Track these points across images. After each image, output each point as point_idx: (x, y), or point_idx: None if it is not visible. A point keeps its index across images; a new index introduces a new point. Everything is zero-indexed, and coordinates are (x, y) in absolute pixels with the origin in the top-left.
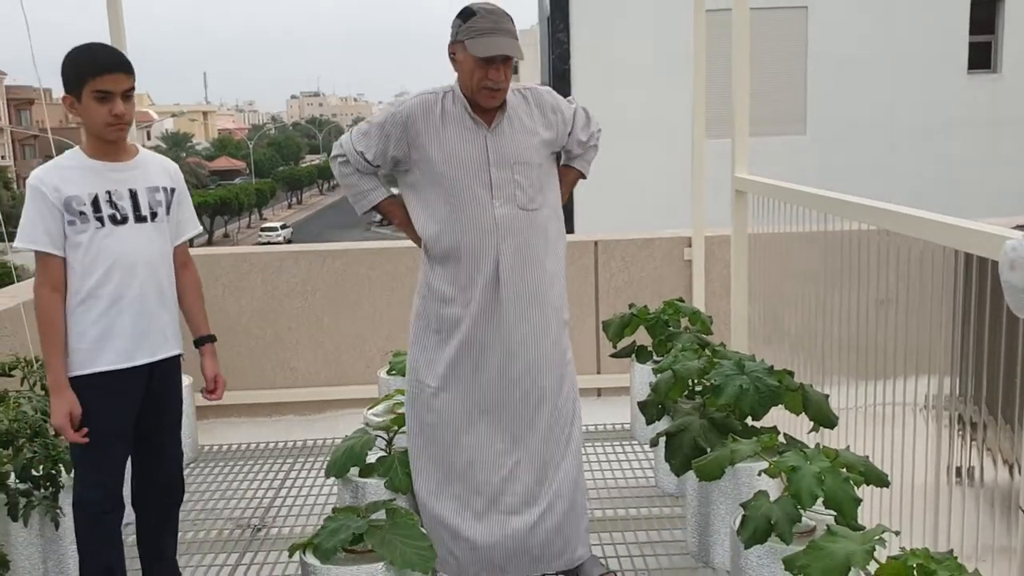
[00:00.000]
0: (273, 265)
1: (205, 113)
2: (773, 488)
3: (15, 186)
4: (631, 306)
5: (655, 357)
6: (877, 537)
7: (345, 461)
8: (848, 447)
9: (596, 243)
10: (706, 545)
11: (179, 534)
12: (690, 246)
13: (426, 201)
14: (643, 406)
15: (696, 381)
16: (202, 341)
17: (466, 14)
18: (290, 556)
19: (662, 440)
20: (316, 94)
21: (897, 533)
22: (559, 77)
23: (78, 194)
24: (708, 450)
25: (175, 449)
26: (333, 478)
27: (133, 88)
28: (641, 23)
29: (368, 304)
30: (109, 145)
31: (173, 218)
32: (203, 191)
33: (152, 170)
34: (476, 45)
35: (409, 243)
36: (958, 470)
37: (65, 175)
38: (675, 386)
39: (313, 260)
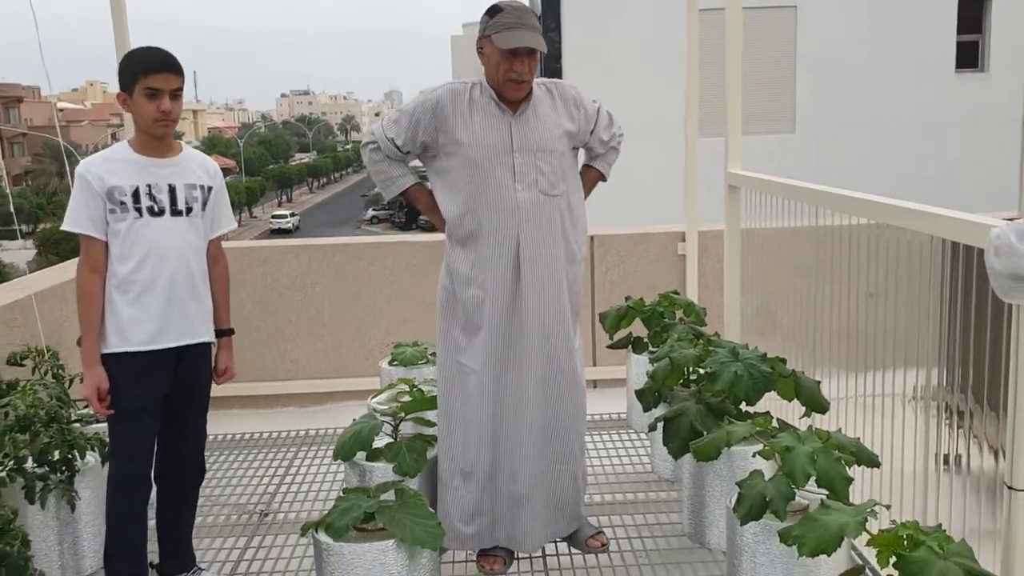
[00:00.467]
0: (274, 259)
1: (195, 112)
2: (767, 470)
3: (3, 184)
4: (627, 299)
5: (651, 348)
6: (869, 510)
7: (353, 445)
8: (840, 430)
9: (593, 238)
10: (701, 526)
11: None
12: (684, 241)
13: (452, 184)
14: (640, 394)
15: (692, 369)
16: (221, 334)
17: (493, 11)
18: (302, 535)
19: (660, 425)
20: (306, 92)
21: (888, 507)
22: (550, 76)
23: (120, 185)
24: (704, 433)
25: (199, 431)
26: (336, 466)
27: (181, 88)
28: (632, 22)
29: (368, 297)
30: (155, 141)
31: (208, 214)
32: None
33: (192, 168)
34: (502, 39)
35: (408, 238)
36: (946, 457)
37: (110, 166)
38: (672, 373)
39: (313, 254)
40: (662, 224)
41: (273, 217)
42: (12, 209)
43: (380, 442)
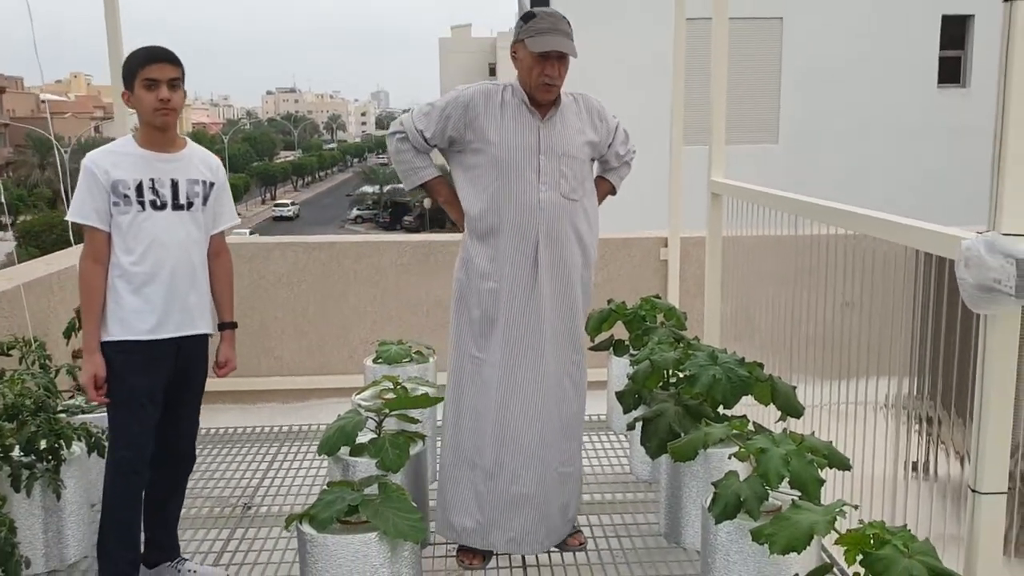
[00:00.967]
0: (261, 255)
1: None
2: (742, 472)
3: None
4: (610, 302)
5: (632, 351)
6: (838, 509)
7: (337, 439)
8: (813, 434)
9: None
10: (677, 526)
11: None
12: (667, 246)
13: (476, 180)
14: (621, 395)
15: (672, 372)
16: (224, 326)
17: (527, 16)
18: (287, 527)
19: (638, 427)
20: (292, 90)
21: (856, 507)
22: None
23: (124, 178)
24: (682, 435)
25: (192, 422)
26: (319, 461)
27: (178, 79)
28: (620, 31)
29: (353, 296)
30: (159, 135)
31: (210, 209)
32: None
33: (195, 163)
34: (534, 43)
35: (394, 238)
36: (915, 464)
37: (116, 160)
38: (652, 375)
39: (300, 251)
40: (646, 230)
41: (275, 206)
42: (2, 200)
43: (364, 438)
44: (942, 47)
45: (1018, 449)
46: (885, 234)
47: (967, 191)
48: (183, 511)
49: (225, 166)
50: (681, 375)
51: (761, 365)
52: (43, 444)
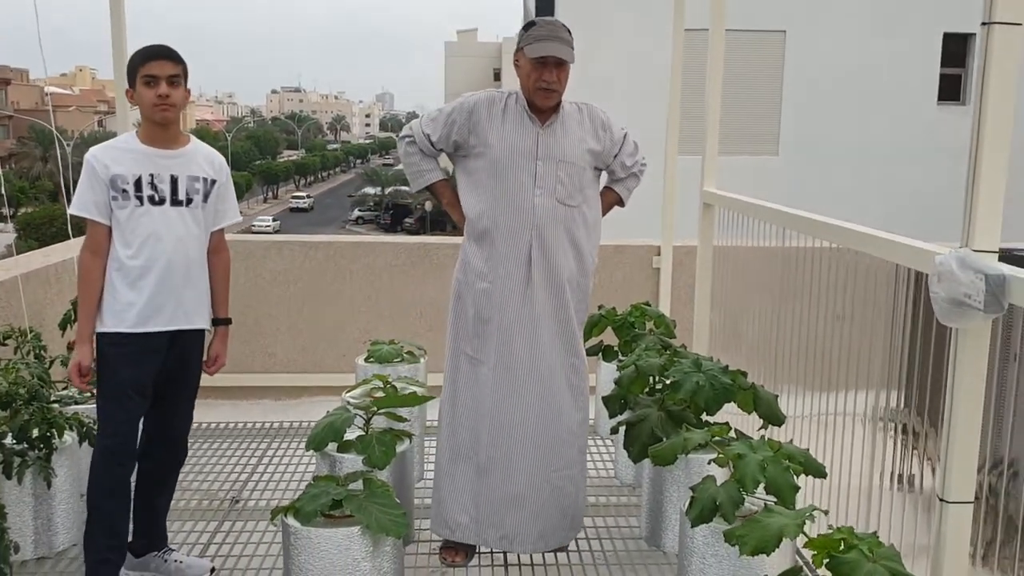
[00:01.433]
0: (258, 254)
1: None
2: (721, 478)
3: None
4: (600, 307)
5: (620, 357)
6: (808, 514)
7: (325, 435)
8: (791, 442)
9: None
10: (658, 530)
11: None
12: (659, 255)
13: (476, 183)
14: (607, 400)
15: (657, 378)
16: (218, 322)
17: (528, 25)
18: (272, 519)
19: (622, 431)
20: (297, 90)
21: (826, 512)
22: None
23: (123, 173)
24: (664, 439)
25: (185, 415)
26: (308, 458)
27: (178, 75)
28: (622, 41)
29: (348, 295)
30: (160, 131)
31: (211, 206)
32: None
33: (197, 160)
34: (532, 49)
35: (390, 239)
36: (900, 477)
37: (116, 155)
38: (637, 381)
39: (296, 251)
40: (640, 238)
41: (293, 197)
42: (3, 191)
43: (352, 434)
44: (943, 64)
45: (1001, 462)
46: (865, 247)
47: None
48: (172, 503)
49: (228, 164)
50: (668, 381)
51: (745, 374)
52: (35, 432)
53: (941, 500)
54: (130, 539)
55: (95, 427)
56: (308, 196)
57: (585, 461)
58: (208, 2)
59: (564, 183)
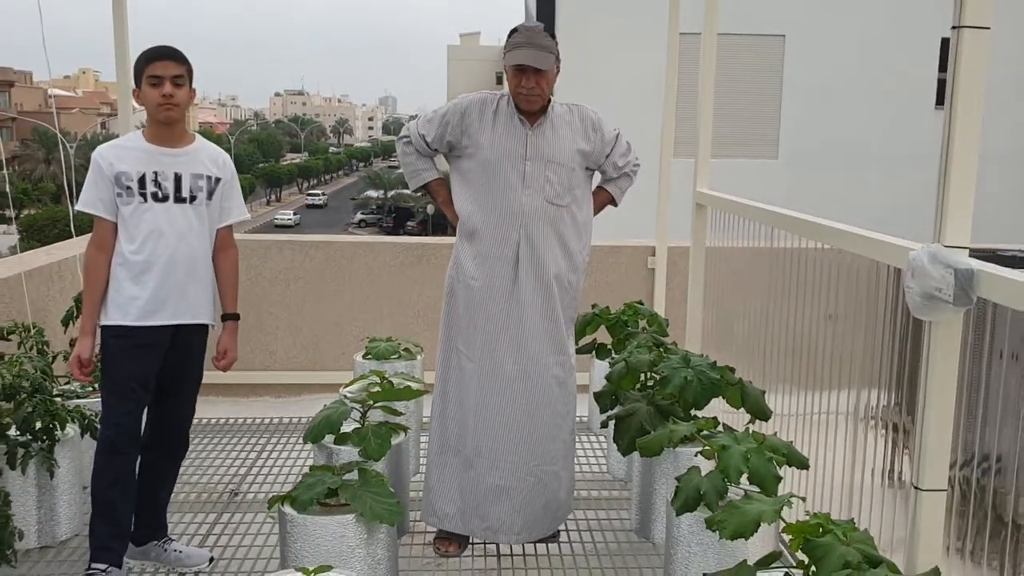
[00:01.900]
0: (259, 253)
1: None
2: (707, 470)
3: None
4: (594, 306)
5: (614, 355)
6: (786, 501)
7: (322, 428)
8: (776, 435)
9: None
10: (647, 523)
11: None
12: (654, 255)
13: (468, 182)
14: (598, 396)
15: (648, 375)
16: (225, 318)
17: (511, 32)
18: (269, 509)
19: (612, 425)
20: (300, 93)
21: (803, 499)
22: None
23: (128, 171)
24: (652, 432)
25: (187, 408)
26: (306, 453)
27: (182, 76)
28: (622, 44)
29: (347, 294)
30: (165, 130)
31: (216, 204)
32: None
33: (201, 159)
34: (510, 56)
35: (388, 239)
36: (889, 473)
37: (121, 153)
38: (627, 376)
39: (297, 250)
40: (635, 238)
41: (308, 194)
42: (8, 190)
43: (348, 427)
44: (941, 69)
45: (987, 457)
46: (844, 244)
47: None
48: (172, 495)
49: None
50: (657, 378)
51: (733, 369)
52: (38, 424)
53: (916, 488)
54: (132, 528)
55: (97, 420)
56: (323, 193)
57: (571, 455)
58: (211, 5)
59: (552, 183)
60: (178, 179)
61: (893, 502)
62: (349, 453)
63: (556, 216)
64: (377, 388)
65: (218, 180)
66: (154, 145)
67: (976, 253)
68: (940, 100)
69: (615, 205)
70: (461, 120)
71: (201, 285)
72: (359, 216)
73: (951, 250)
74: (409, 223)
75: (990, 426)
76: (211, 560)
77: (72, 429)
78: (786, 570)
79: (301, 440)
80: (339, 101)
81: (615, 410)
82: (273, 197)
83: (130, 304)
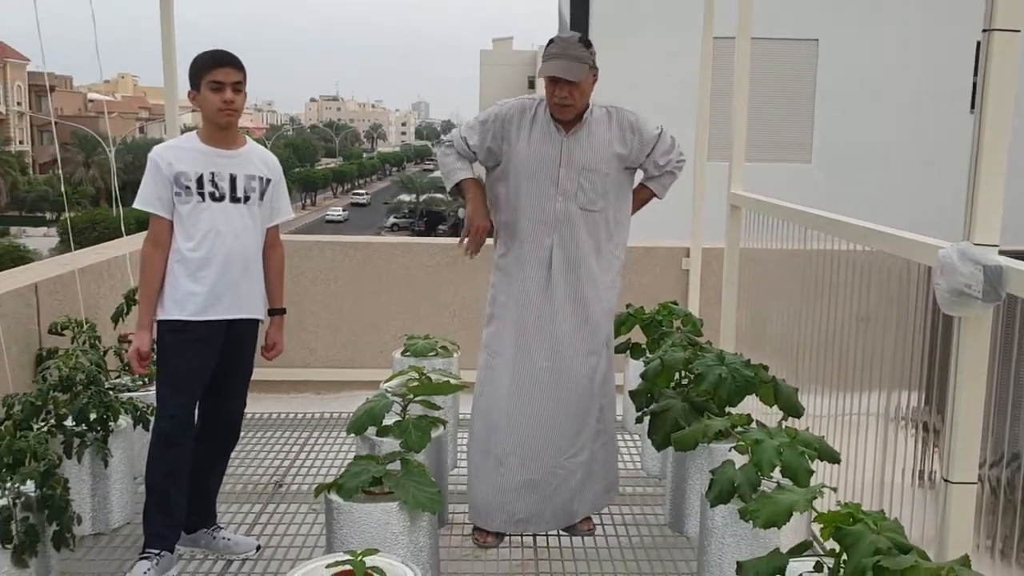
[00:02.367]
0: (300, 253)
1: None
2: (741, 464)
3: (31, 171)
4: (628, 306)
5: (648, 354)
6: (818, 490)
7: (365, 420)
8: (808, 430)
9: None
10: (681, 517)
11: None
12: (688, 256)
13: (505, 187)
14: (633, 394)
15: (682, 374)
16: (273, 312)
17: (549, 42)
18: (315, 496)
19: (647, 421)
20: (335, 98)
21: (835, 489)
22: None
23: (187, 171)
24: (687, 428)
25: (239, 400)
26: (348, 446)
27: (241, 82)
28: (657, 48)
29: (385, 294)
30: (220, 133)
31: (267, 204)
32: None
33: (253, 160)
34: (543, 68)
35: (424, 240)
36: (920, 473)
37: (179, 154)
38: (662, 374)
39: (337, 251)
40: (670, 240)
41: (354, 193)
42: (62, 191)
43: (389, 420)
44: (975, 73)
45: (1017, 457)
46: (873, 243)
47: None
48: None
49: None
50: (691, 374)
51: (766, 367)
52: (93, 415)
53: (946, 481)
54: (184, 517)
55: (150, 412)
56: (367, 193)
57: (604, 447)
58: (247, 12)
59: (585, 190)
60: (233, 180)
61: (924, 501)
62: (390, 445)
63: (590, 221)
64: (416, 383)
65: (268, 181)
66: (209, 147)
67: (1006, 255)
68: (976, 104)
69: (660, 198)
70: (502, 126)
71: (253, 281)
72: (391, 220)
73: (980, 248)
74: (440, 227)
75: (1021, 425)
76: (258, 548)
77: (125, 420)
78: (817, 559)
79: (341, 434)
80: (373, 106)
81: (650, 407)
82: (308, 201)
83: (187, 299)
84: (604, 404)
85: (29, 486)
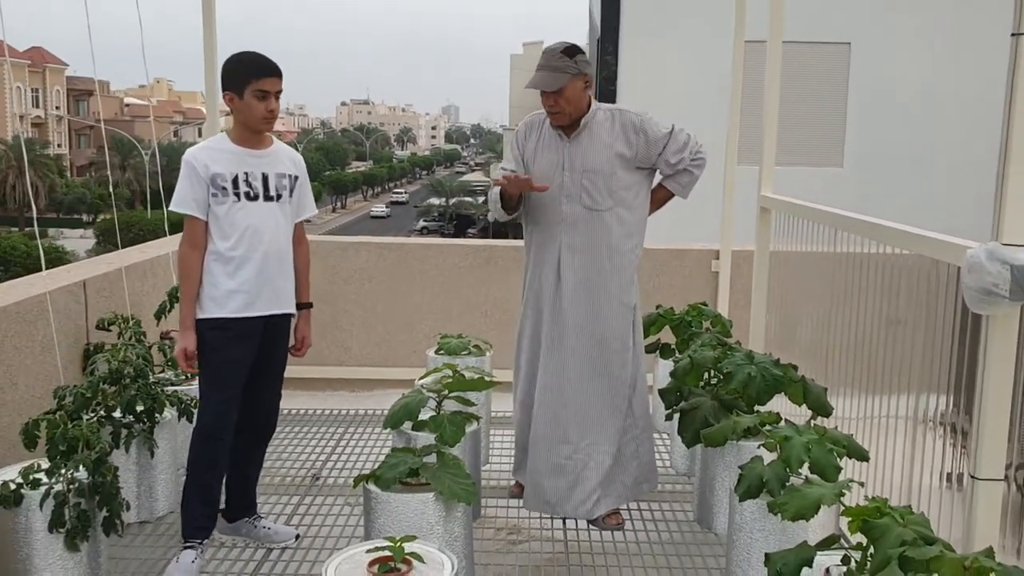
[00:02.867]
0: (336, 253)
1: None
2: (769, 461)
3: (69, 174)
4: (658, 307)
5: (677, 355)
6: (845, 484)
7: (401, 415)
8: (836, 428)
9: None
10: (709, 514)
11: None
12: (718, 258)
13: (527, 198)
14: (663, 392)
15: (712, 373)
16: (301, 307)
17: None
18: (354, 486)
19: (676, 420)
20: (366, 102)
21: (862, 484)
22: (605, 99)
23: (223, 172)
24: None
25: (275, 393)
26: (382, 441)
27: (281, 90)
28: (688, 50)
29: (418, 294)
30: (253, 135)
31: (295, 201)
32: None
33: (281, 159)
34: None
35: (458, 242)
36: (948, 476)
37: (214, 156)
38: (692, 372)
39: (372, 251)
40: (700, 242)
41: (394, 191)
42: (113, 192)
43: (425, 415)
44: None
45: None
46: (901, 244)
47: None
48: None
49: None
50: (720, 373)
51: (795, 367)
52: (140, 407)
53: (973, 477)
54: (223, 506)
55: (193, 405)
56: (405, 192)
57: (628, 439)
58: (280, 18)
59: (589, 191)
60: (265, 179)
61: (951, 502)
62: (425, 439)
63: (596, 220)
64: (450, 380)
65: (296, 178)
66: (241, 147)
67: None
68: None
69: (684, 197)
70: (520, 145)
71: (287, 277)
72: (421, 223)
73: (1008, 248)
74: (470, 230)
75: None
76: (297, 537)
77: (170, 413)
78: (845, 552)
79: (375, 430)
80: (403, 110)
81: (679, 405)
82: (339, 204)
83: (228, 298)
84: (633, 399)
85: (81, 473)
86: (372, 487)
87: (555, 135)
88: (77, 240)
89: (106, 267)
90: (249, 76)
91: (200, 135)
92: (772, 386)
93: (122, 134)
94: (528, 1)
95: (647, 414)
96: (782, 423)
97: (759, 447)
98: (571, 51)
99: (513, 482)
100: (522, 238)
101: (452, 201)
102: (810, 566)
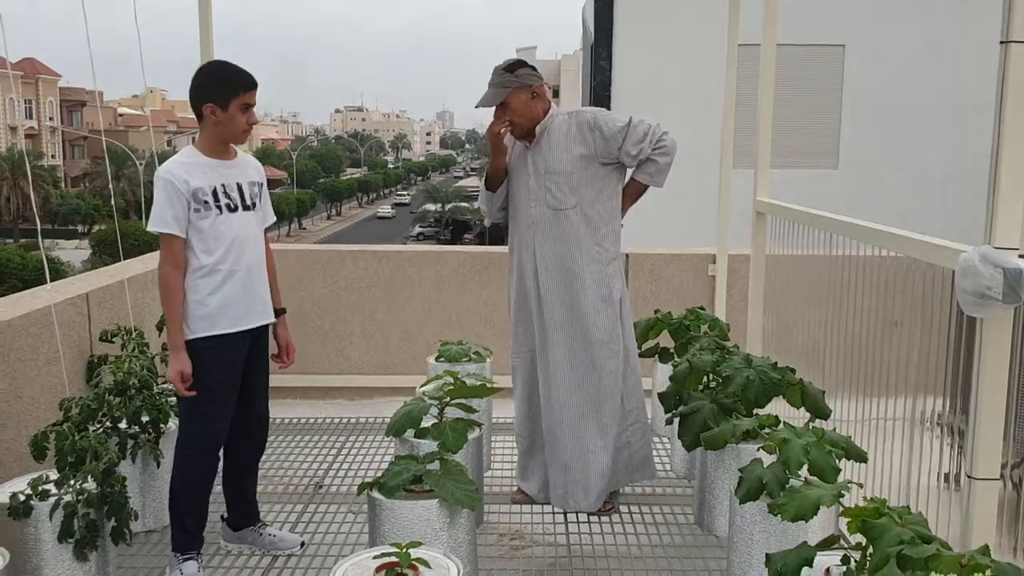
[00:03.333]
0: (334, 262)
1: None
2: (769, 463)
3: (63, 185)
4: (656, 311)
5: (676, 359)
6: (844, 486)
7: (404, 422)
8: (835, 430)
9: (627, 255)
10: (709, 516)
11: None
12: (715, 262)
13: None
14: (662, 397)
15: (710, 377)
16: (277, 313)
17: None
18: (358, 494)
19: (676, 423)
20: (360, 109)
21: (861, 485)
22: (599, 103)
23: (202, 186)
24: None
25: (264, 399)
26: (383, 449)
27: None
28: (682, 56)
29: (417, 301)
30: (223, 147)
31: (262, 207)
32: None
33: (249, 167)
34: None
35: (455, 248)
36: (945, 476)
37: (190, 170)
38: (691, 376)
39: (370, 259)
40: (696, 246)
41: (397, 194)
42: (113, 203)
43: (427, 423)
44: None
45: None
46: (896, 247)
47: None
48: (260, 489)
49: (293, 182)
50: (719, 377)
51: (793, 370)
52: (146, 418)
53: (969, 477)
54: (226, 515)
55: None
56: (408, 193)
57: (597, 437)
58: (272, 25)
59: (552, 191)
60: (240, 189)
61: (949, 503)
62: (428, 447)
63: (562, 218)
64: (451, 387)
65: (261, 185)
66: (215, 159)
67: None
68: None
69: (659, 186)
70: (508, 155)
71: (266, 285)
72: (417, 229)
73: (1000, 251)
74: (466, 235)
75: None
76: (302, 544)
77: (174, 423)
78: (844, 552)
79: (376, 438)
80: (397, 116)
81: (679, 409)
82: (334, 211)
83: (219, 314)
84: (624, 391)
85: (90, 484)
86: (377, 494)
87: (521, 146)
88: (72, 251)
89: (108, 279)
90: (238, 89)
91: (193, 144)
92: (771, 389)
93: (117, 144)
94: (522, 7)
95: (641, 408)
96: (781, 426)
97: (758, 450)
98: (512, 67)
99: (515, 488)
100: None
101: (448, 207)
102: (810, 566)
